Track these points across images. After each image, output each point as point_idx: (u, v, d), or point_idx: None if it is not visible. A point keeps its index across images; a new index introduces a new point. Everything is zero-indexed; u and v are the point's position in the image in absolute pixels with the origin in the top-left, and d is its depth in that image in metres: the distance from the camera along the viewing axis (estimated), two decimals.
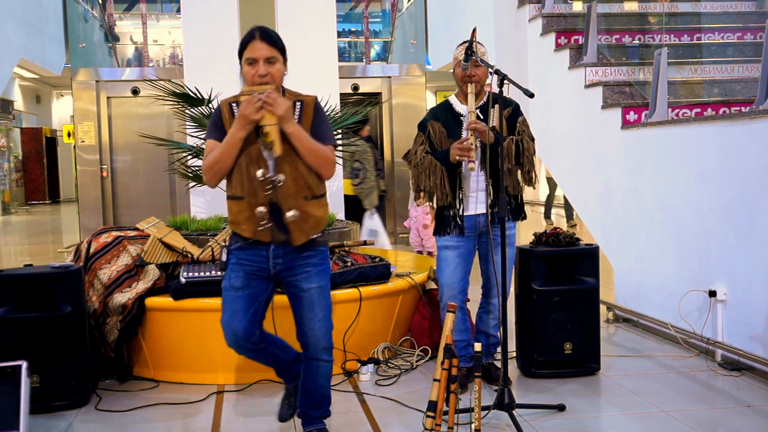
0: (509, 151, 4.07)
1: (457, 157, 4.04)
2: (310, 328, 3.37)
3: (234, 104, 3.30)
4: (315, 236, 3.34)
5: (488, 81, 4.28)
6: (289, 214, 3.23)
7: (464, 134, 4.22)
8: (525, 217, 4.33)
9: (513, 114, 4.24)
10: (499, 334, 4.37)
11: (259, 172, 3.20)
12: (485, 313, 4.45)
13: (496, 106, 4.24)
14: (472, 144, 4.01)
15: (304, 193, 3.28)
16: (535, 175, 4.29)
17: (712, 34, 7.06)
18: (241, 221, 3.27)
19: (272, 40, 3.28)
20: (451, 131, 4.23)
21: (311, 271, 3.35)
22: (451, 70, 4.37)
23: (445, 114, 4.30)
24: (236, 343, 3.35)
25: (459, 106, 4.31)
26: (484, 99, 4.24)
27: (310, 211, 3.29)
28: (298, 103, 3.33)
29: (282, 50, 3.32)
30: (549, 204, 13.59)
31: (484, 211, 4.24)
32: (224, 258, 3.36)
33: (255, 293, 3.34)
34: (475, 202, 4.23)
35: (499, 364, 4.53)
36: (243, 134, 3.17)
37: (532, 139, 4.26)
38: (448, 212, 4.24)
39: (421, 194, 4.34)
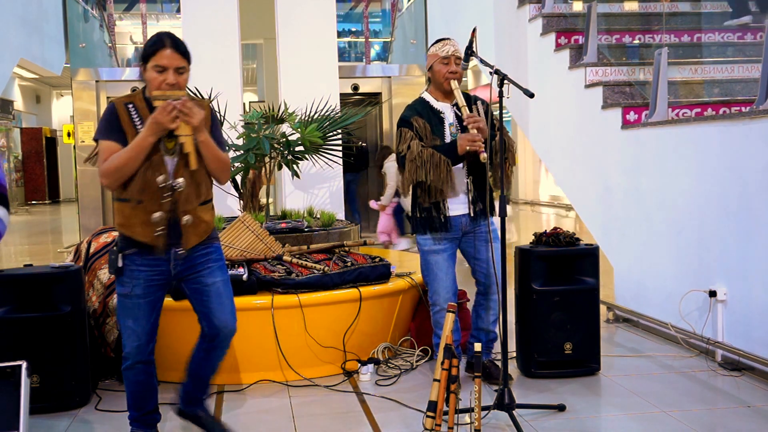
0: (502, 147, 4.05)
1: (468, 147, 4.01)
2: (222, 320, 3.43)
3: (130, 105, 3.28)
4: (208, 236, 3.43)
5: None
6: (185, 219, 3.28)
7: (447, 131, 4.22)
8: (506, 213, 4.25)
9: (486, 110, 4.20)
10: (497, 330, 4.37)
11: (161, 178, 3.23)
12: (484, 310, 4.44)
13: (478, 102, 4.25)
14: (479, 135, 3.99)
15: (199, 199, 3.34)
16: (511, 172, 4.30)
17: (712, 33, 7.05)
18: (135, 225, 3.27)
19: (183, 50, 3.26)
20: (434, 128, 4.22)
21: (213, 266, 3.44)
22: (428, 67, 4.33)
23: (424, 111, 4.28)
24: (140, 350, 3.41)
25: (436, 104, 4.30)
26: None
27: (202, 216, 3.37)
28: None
29: (189, 61, 3.31)
30: None
31: (466, 211, 4.24)
32: (119, 264, 3.33)
33: (154, 301, 3.40)
34: (458, 201, 4.23)
35: (498, 362, 4.54)
36: (153, 140, 3.18)
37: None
38: (435, 212, 4.22)
39: (416, 189, 4.26)
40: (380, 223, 9.63)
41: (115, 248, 3.36)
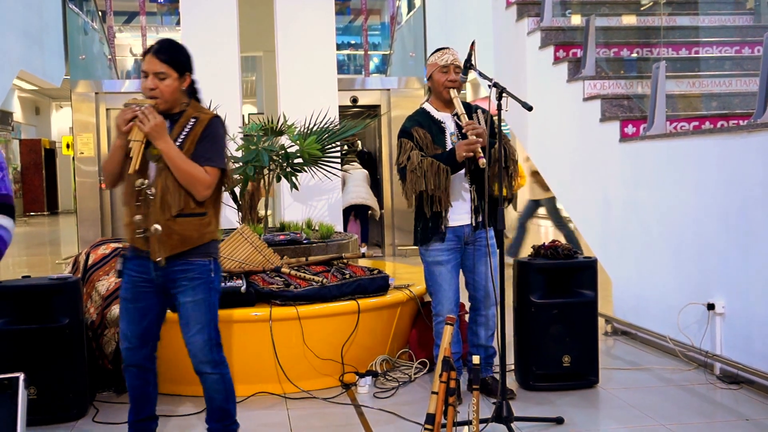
0: (501, 155, 4.05)
1: (464, 153, 4.01)
2: (188, 343, 3.41)
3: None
4: (189, 251, 3.34)
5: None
6: (153, 227, 3.29)
7: (448, 140, 4.22)
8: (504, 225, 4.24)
9: (486, 118, 4.20)
10: (495, 345, 4.37)
11: (138, 182, 3.30)
12: (478, 326, 4.42)
13: (479, 110, 4.26)
14: (477, 140, 3.99)
15: (173, 210, 3.29)
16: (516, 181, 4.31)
17: (710, 47, 7.08)
18: (124, 225, 3.42)
19: (165, 56, 3.29)
20: (435, 138, 4.23)
21: (186, 285, 3.36)
22: (428, 77, 4.34)
23: (425, 121, 4.29)
24: (131, 353, 3.45)
25: (437, 114, 4.31)
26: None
27: (174, 228, 3.29)
28: (192, 120, 3.36)
29: (177, 66, 3.31)
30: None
31: (468, 221, 4.24)
32: (118, 267, 3.45)
33: (145, 308, 3.42)
34: (460, 211, 4.23)
35: (497, 376, 4.54)
36: (119, 142, 3.28)
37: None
38: (435, 223, 4.22)
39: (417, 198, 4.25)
40: (348, 228, 9.71)
41: (121, 251, 3.46)
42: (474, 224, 4.24)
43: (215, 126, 3.39)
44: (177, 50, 3.35)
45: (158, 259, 3.30)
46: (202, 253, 3.38)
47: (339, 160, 6.51)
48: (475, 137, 4.00)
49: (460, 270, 4.37)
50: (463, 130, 4.10)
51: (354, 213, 10.27)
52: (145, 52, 3.32)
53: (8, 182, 2.44)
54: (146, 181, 3.29)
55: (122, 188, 3.39)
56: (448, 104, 4.29)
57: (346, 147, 7.93)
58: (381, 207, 11.34)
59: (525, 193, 9.83)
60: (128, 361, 3.46)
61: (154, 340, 3.50)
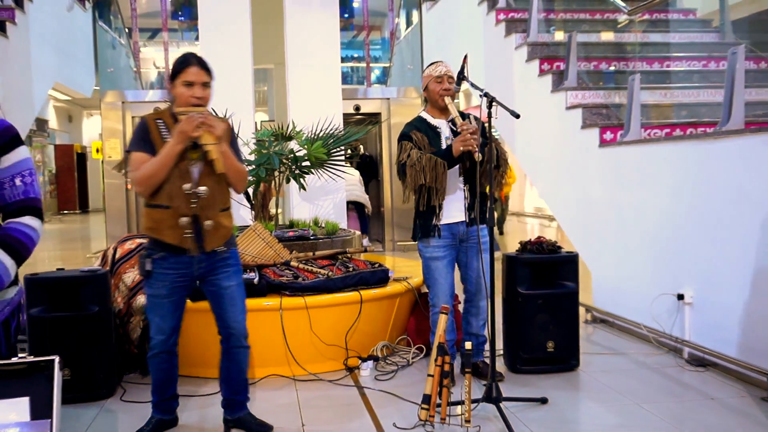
0: (491, 155, 4.04)
1: (461, 147, 4.00)
2: (234, 320, 3.43)
3: (159, 120, 3.33)
4: (227, 241, 3.42)
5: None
6: (207, 223, 3.29)
7: (443, 144, 4.21)
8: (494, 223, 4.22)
9: (482, 125, 4.20)
10: (486, 333, 4.37)
11: (187, 186, 3.25)
12: (471, 316, 4.41)
13: (471, 116, 4.25)
14: (471, 136, 3.98)
15: (220, 206, 3.35)
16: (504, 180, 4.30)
17: (680, 62, 7.07)
18: (163, 229, 3.29)
19: (207, 67, 3.33)
20: (432, 141, 4.23)
21: (230, 270, 3.44)
22: (424, 88, 4.33)
23: (422, 126, 4.29)
24: (164, 342, 3.44)
25: (434, 121, 4.31)
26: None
27: (222, 221, 3.37)
28: None
29: (212, 77, 3.36)
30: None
31: (462, 218, 4.23)
32: (148, 267, 3.36)
33: (178, 300, 3.42)
34: (455, 209, 4.22)
35: (488, 361, 4.54)
36: (180, 148, 3.21)
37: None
38: (431, 219, 4.21)
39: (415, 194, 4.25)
40: (348, 224, 9.68)
41: (143, 252, 3.38)
42: (467, 221, 4.23)
43: (233, 131, 3.47)
44: (208, 63, 3.37)
45: (206, 251, 3.32)
46: (234, 243, 3.51)
47: (343, 163, 6.50)
48: (470, 134, 3.99)
49: (455, 265, 4.37)
50: (458, 129, 4.09)
51: (353, 208, 10.24)
52: (186, 64, 3.27)
53: (37, 186, 2.44)
54: (193, 184, 3.25)
55: (163, 193, 3.26)
56: (443, 112, 4.29)
57: (350, 151, 7.91)
58: (381, 205, 11.34)
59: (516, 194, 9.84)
60: (161, 348, 3.45)
61: (180, 328, 3.51)
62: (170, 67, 3.32)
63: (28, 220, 2.39)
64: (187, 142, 3.20)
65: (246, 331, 3.48)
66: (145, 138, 3.29)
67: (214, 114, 3.44)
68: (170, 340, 3.46)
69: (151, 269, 3.35)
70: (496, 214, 11.25)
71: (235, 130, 3.51)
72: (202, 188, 3.26)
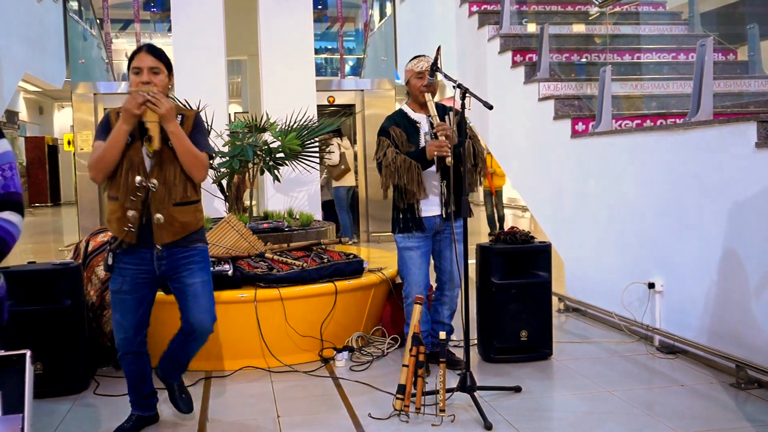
0: (468, 152, 4.06)
1: (435, 153, 4.01)
2: (196, 318, 3.33)
3: (119, 112, 3.26)
4: (189, 237, 3.32)
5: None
6: (156, 217, 3.22)
7: (422, 139, 4.22)
8: (472, 214, 4.25)
9: (460, 118, 4.21)
10: (452, 323, 4.40)
11: (138, 178, 3.19)
12: (441, 305, 4.43)
13: (450, 113, 4.25)
14: (446, 142, 3.99)
15: (173, 200, 3.25)
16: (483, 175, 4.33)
17: (650, 53, 7.13)
18: (112, 221, 3.26)
19: (157, 53, 3.28)
20: (410, 137, 4.23)
21: (194, 267, 3.35)
22: (405, 82, 4.34)
23: (402, 121, 4.29)
24: (128, 342, 3.38)
25: (414, 115, 4.31)
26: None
27: (176, 216, 3.26)
28: (179, 116, 3.30)
29: (166, 64, 3.30)
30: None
31: (439, 212, 4.24)
32: (110, 261, 3.31)
33: (141, 297, 3.35)
34: (432, 203, 4.23)
35: (456, 351, 4.56)
36: (126, 128, 3.15)
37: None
38: (410, 213, 4.22)
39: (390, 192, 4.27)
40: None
41: (108, 247, 3.33)
42: (444, 215, 4.24)
43: (200, 120, 3.43)
44: (161, 51, 3.32)
45: (159, 246, 3.24)
46: (201, 239, 3.40)
47: (317, 155, 6.48)
48: (444, 138, 4.00)
49: (431, 256, 4.37)
50: (434, 131, 4.09)
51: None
52: (135, 52, 3.25)
53: (18, 180, 2.39)
54: (144, 178, 3.19)
55: (115, 185, 3.22)
56: (423, 106, 4.28)
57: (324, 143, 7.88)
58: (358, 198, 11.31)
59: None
60: (125, 349, 3.39)
61: (146, 327, 3.44)
62: None
63: (8, 215, 2.35)
64: (132, 120, 3.14)
65: (210, 328, 3.38)
66: (106, 129, 3.24)
67: (183, 105, 3.39)
68: (135, 340, 3.38)
69: (112, 264, 3.30)
70: (486, 212, 11.11)
71: (209, 122, 3.46)
72: (153, 181, 3.20)
